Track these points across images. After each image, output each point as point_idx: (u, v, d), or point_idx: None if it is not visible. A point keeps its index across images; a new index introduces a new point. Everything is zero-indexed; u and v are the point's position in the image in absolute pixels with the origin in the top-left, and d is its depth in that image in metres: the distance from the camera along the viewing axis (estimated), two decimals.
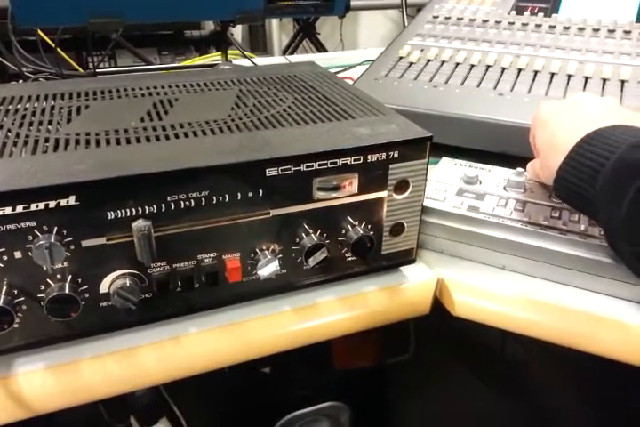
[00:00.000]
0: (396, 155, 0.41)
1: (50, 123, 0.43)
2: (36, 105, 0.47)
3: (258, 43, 2.32)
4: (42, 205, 0.33)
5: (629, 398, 0.71)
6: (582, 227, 0.45)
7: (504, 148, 0.59)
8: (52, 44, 0.87)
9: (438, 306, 0.48)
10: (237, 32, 2.28)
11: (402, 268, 0.48)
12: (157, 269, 0.38)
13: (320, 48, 2.42)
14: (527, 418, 0.80)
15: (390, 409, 0.84)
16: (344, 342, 0.79)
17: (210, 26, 1.76)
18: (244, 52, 0.98)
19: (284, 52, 2.27)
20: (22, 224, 0.33)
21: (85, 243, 0.35)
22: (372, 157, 0.41)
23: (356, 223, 0.43)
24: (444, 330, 0.77)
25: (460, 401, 0.82)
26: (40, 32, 0.87)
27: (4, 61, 0.85)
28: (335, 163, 0.40)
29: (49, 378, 0.37)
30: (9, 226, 0.33)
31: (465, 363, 0.85)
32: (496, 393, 0.83)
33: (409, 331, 0.85)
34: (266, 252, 0.41)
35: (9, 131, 0.41)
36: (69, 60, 0.95)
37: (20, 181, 0.33)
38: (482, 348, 0.85)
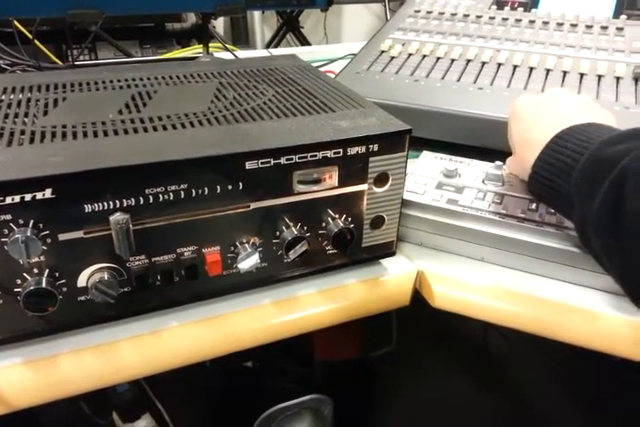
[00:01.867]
0: (375, 148, 0.41)
1: (26, 115, 0.43)
2: (11, 97, 0.47)
3: (240, 36, 2.31)
4: (17, 198, 0.33)
5: (610, 389, 0.72)
6: (559, 219, 0.46)
7: (483, 141, 0.59)
8: (30, 36, 0.86)
9: (419, 298, 0.49)
10: (219, 25, 2.26)
11: (382, 260, 0.48)
12: (136, 263, 0.38)
13: (303, 42, 2.41)
14: (509, 408, 0.81)
15: (373, 401, 0.84)
16: (326, 335, 0.79)
17: (192, 18, 1.74)
18: (226, 45, 0.97)
19: (268, 46, 2.26)
20: None
21: (62, 236, 0.35)
22: (352, 150, 0.41)
23: (337, 216, 0.43)
24: (427, 322, 0.78)
25: (442, 393, 0.83)
26: (17, 23, 0.86)
27: None
28: (315, 156, 0.40)
29: (27, 373, 0.37)
30: None
31: (448, 355, 0.86)
32: (479, 384, 0.84)
33: (391, 323, 0.85)
34: (246, 245, 0.41)
35: None
36: (47, 52, 0.94)
37: None
38: (464, 340, 0.86)
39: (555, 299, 0.44)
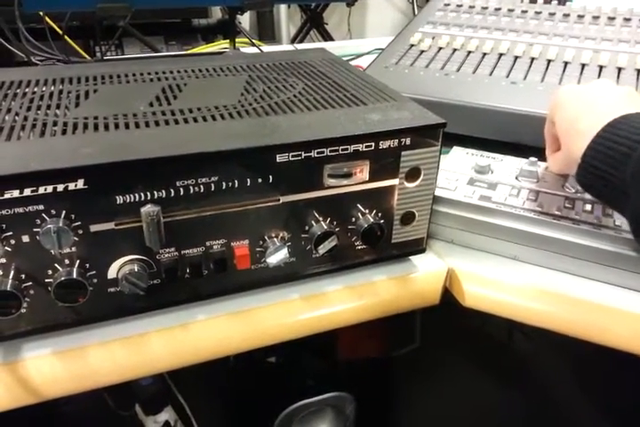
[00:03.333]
0: (408, 141, 0.41)
1: (58, 107, 0.43)
2: (44, 89, 0.47)
3: (266, 32, 2.31)
4: (50, 189, 0.33)
5: (638, 390, 0.70)
6: (596, 217, 0.44)
7: (516, 137, 0.58)
8: (60, 32, 0.87)
9: (444, 297, 0.48)
10: (245, 21, 2.26)
11: (412, 257, 0.47)
12: (166, 256, 0.38)
13: (327, 38, 2.40)
14: (533, 409, 0.79)
15: (395, 400, 0.83)
16: (349, 333, 0.78)
17: (217, 14, 1.74)
18: (253, 40, 0.97)
19: (292, 42, 2.25)
20: (30, 208, 0.33)
21: (94, 228, 0.35)
22: (384, 144, 0.40)
23: (367, 211, 0.42)
24: (451, 321, 0.76)
25: (465, 393, 0.82)
26: (47, 19, 0.87)
27: (12, 48, 0.84)
28: (346, 149, 0.39)
29: (57, 363, 0.37)
30: (17, 209, 0.33)
31: (471, 354, 0.85)
32: (502, 385, 0.83)
33: (415, 322, 0.84)
34: (275, 239, 0.40)
35: (17, 114, 0.41)
36: (77, 47, 0.95)
37: (28, 164, 0.33)
38: (488, 339, 0.84)
39: (590, 299, 0.43)
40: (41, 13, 0.84)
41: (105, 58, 0.92)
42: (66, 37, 0.86)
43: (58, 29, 0.88)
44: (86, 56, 0.96)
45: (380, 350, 0.86)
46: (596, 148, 0.39)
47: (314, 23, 2.39)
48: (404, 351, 0.85)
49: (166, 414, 0.79)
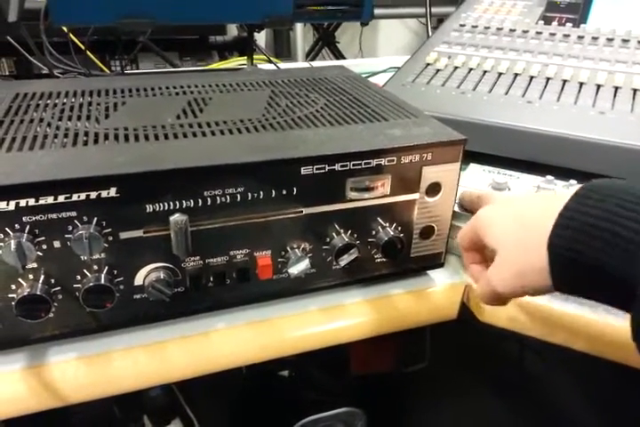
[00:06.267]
0: (429, 157, 0.41)
1: (88, 118, 0.44)
2: (73, 100, 0.48)
3: (282, 49, 2.34)
4: (83, 196, 0.34)
5: None
6: None
7: (532, 155, 0.59)
8: (82, 46, 0.89)
9: (462, 313, 0.48)
10: (261, 38, 2.30)
11: (429, 272, 0.48)
12: (191, 264, 0.38)
13: (339, 57, 2.44)
14: None
15: (406, 416, 0.83)
16: (361, 348, 0.78)
17: (233, 31, 1.77)
18: (270, 58, 0.99)
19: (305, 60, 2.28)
20: (63, 214, 0.34)
21: (123, 235, 0.36)
22: (406, 159, 0.41)
23: (387, 225, 0.43)
24: (462, 339, 0.76)
25: (475, 411, 0.82)
26: (70, 34, 0.89)
27: (35, 61, 0.86)
28: (369, 163, 0.40)
29: (81, 368, 0.37)
30: (50, 215, 0.33)
31: (482, 373, 0.84)
32: (513, 404, 0.82)
33: (425, 339, 0.84)
34: (297, 250, 0.41)
35: (49, 124, 0.42)
36: (97, 61, 0.97)
37: (63, 172, 0.34)
38: (499, 358, 0.84)
39: (611, 315, 0.43)
40: (65, 29, 0.87)
41: (124, 72, 0.94)
42: (87, 53, 0.89)
43: (80, 44, 0.90)
44: (105, 70, 0.98)
45: (392, 366, 0.86)
46: (564, 234, 0.30)
47: (326, 41, 2.42)
48: (415, 368, 0.84)
49: None
